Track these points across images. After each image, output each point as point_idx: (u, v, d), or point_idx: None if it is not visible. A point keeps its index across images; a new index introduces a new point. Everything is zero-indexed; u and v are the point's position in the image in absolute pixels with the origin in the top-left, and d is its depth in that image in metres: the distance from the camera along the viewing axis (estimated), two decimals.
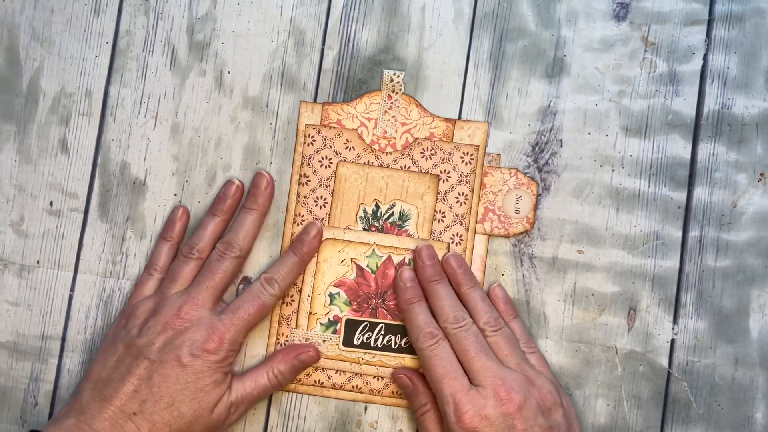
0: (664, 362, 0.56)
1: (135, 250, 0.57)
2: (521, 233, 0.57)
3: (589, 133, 0.57)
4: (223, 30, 0.58)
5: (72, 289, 0.57)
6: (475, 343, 0.52)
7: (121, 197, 0.58)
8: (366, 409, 0.56)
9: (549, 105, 0.57)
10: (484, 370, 0.51)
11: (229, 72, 0.58)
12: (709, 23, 0.57)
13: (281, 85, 0.58)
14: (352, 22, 0.58)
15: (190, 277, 0.55)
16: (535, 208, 0.57)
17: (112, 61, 0.58)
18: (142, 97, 0.58)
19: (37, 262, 0.57)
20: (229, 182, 0.57)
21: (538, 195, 0.57)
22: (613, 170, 0.57)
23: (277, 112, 0.58)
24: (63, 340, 0.57)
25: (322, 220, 0.57)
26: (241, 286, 0.57)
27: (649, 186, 0.57)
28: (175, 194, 0.57)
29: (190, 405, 0.51)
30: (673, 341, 0.56)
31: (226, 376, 0.53)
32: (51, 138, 0.58)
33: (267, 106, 0.58)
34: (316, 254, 0.56)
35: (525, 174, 0.57)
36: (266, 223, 0.57)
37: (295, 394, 0.56)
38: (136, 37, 0.58)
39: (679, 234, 0.57)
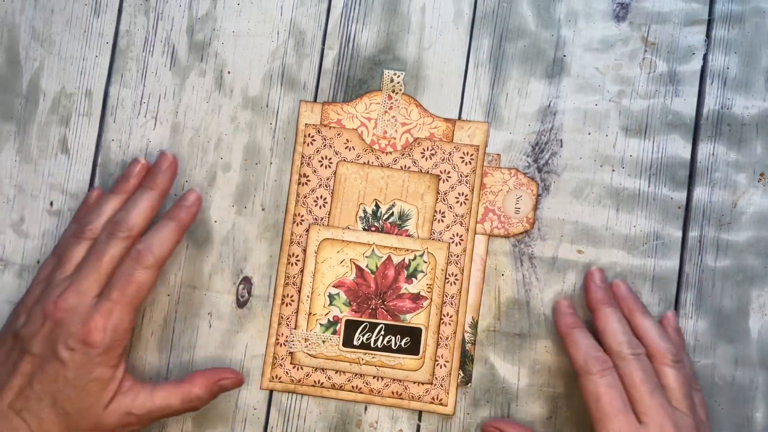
0: None
1: None
2: (521, 233, 0.57)
3: (589, 133, 0.57)
4: (223, 30, 0.58)
5: None
6: (650, 377, 0.49)
7: None
8: (366, 409, 0.56)
9: (549, 105, 0.57)
10: (656, 408, 0.48)
11: (229, 72, 0.58)
12: (709, 23, 0.57)
13: (281, 85, 0.58)
14: (352, 22, 0.58)
15: (80, 260, 0.51)
16: (535, 208, 0.57)
17: (112, 61, 0.58)
18: (142, 97, 0.58)
19: (38, 262, 0.57)
20: (134, 161, 0.55)
21: (538, 195, 0.57)
22: (613, 170, 0.57)
23: (277, 112, 0.58)
24: None
25: (321, 220, 0.57)
26: (241, 287, 0.57)
27: (649, 186, 0.57)
28: (175, 195, 0.57)
29: (75, 405, 0.48)
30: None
31: (114, 371, 0.50)
32: (51, 138, 0.58)
33: (267, 106, 0.58)
34: (191, 221, 0.54)
35: (525, 174, 0.57)
36: (266, 223, 0.57)
37: (295, 394, 0.56)
38: (136, 37, 0.58)
39: (679, 234, 0.57)
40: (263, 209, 0.57)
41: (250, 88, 0.58)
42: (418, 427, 0.56)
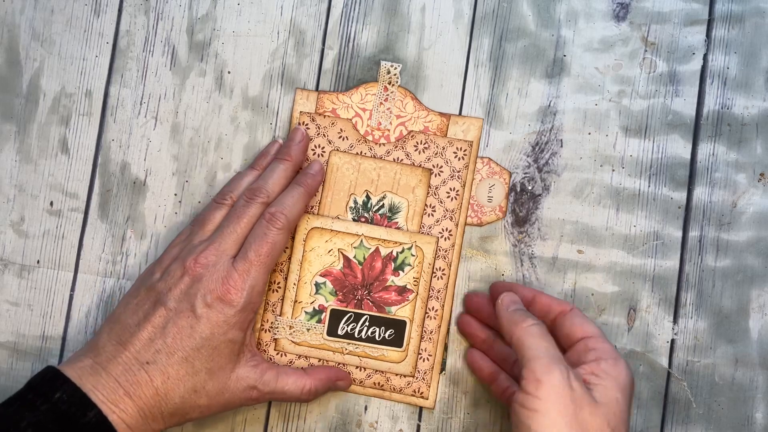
0: (664, 362, 0.56)
1: (135, 250, 0.57)
2: (494, 222, 0.57)
3: (589, 133, 0.57)
4: (223, 30, 0.58)
5: (72, 289, 0.57)
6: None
7: (121, 197, 0.58)
8: (366, 409, 0.56)
9: (549, 105, 0.57)
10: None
11: (229, 72, 0.58)
12: (709, 23, 0.57)
13: (281, 85, 0.58)
14: (352, 22, 0.58)
15: (219, 223, 0.53)
16: (507, 196, 0.57)
17: (112, 61, 0.58)
18: (142, 97, 0.58)
19: (38, 262, 0.57)
20: (273, 141, 0.57)
21: (536, 194, 0.57)
22: (613, 170, 0.57)
23: (277, 112, 0.58)
24: (63, 340, 0.57)
25: (311, 208, 0.57)
26: None
27: (649, 186, 0.57)
28: (175, 194, 0.57)
29: (206, 363, 0.49)
30: (673, 341, 0.56)
31: (245, 336, 0.51)
32: (51, 138, 0.58)
33: (267, 106, 0.58)
34: (319, 188, 0.56)
35: (497, 163, 0.57)
36: None
37: None
38: (136, 37, 0.58)
39: (679, 234, 0.57)
40: None
41: (250, 88, 0.58)
42: (418, 427, 0.56)
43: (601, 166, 0.57)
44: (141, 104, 0.58)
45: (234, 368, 0.50)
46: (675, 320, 0.56)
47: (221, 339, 0.49)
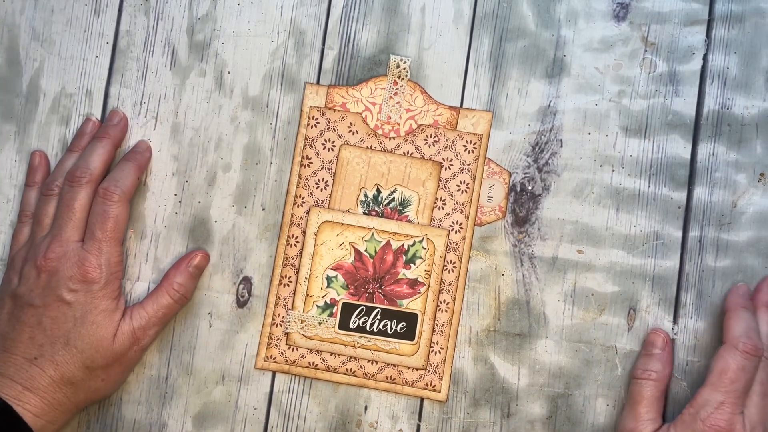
0: None
1: (135, 250, 0.57)
2: (494, 222, 0.57)
3: (589, 133, 0.57)
4: (223, 30, 0.58)
5: None
6: None
7: None
8: (366, 409, 0.56)
9: (549, 105, 0.57)
10: (760, 410, 0.51)
11: (229, 72, 0.58)
12: (709, 23, 0.57)
13: (281, 85, 0.58)
14: (352, 22, 0.58)
15: (54, 215, 0.54)
16: (507, 196, 0.57)
17: (113, 62, 0.58)
18: (142, 98, 0.58)
19: None
20: (86, 120, 0.57)
21: (536, 194, 0.57)
22: (613, 170, 0.57)
23: (277, 112, 0.58)
24: None
25: (322, 202, 0.57)
26: (241, 287, 0.57)
27: (649, 186, 0.57)
28: (176, 194, 0.57)
29: (87, 340, 0.52)
30: (673, 341, 0.56)
31: (117, 303, 0.53)
32: (51, 138, 0.58)
33: (267, 106, 0.58)
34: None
35: (497, 163, 0.57)
36: (266, 223, 0.57)
37: (294, 394, 0.57)
38: (136, 38, 0.58)
39: (679, 234, 0.57)
40: (263, 209, 0.57)
41: (250, 88, 0.58)
42: (418, 427, 0.56)
43: (601, 166, 0.57)
44: (141, 104, 0.58)
45: (114, 333, 0.53)
46: (675, 320, 0.56)
47: (95, 313, 0.52)
